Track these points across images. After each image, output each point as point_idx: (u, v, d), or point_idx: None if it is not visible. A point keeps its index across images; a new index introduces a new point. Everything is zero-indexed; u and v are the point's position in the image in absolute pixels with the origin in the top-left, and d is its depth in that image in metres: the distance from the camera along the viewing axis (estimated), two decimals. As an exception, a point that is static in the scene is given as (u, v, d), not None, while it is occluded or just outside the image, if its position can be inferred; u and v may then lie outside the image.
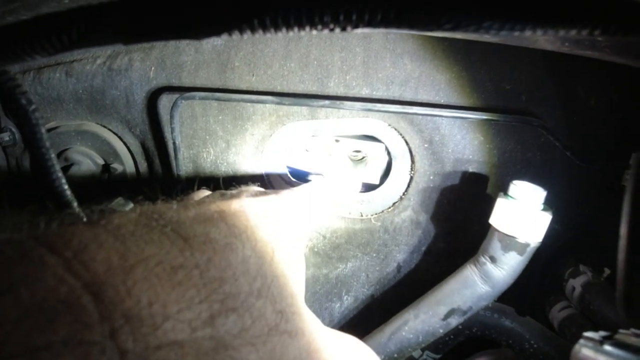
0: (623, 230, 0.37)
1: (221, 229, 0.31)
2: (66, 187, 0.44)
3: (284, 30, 0.24)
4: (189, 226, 0.29)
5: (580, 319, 0.66)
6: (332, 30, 0.24)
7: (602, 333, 0.36)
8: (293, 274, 0.35)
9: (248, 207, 0.36)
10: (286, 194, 0.43)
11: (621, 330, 0.38)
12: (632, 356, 0.32)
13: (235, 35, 0.25)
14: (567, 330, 0.67)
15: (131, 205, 0.32)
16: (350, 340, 0.41)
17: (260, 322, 0.29)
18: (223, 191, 0.39)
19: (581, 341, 0.36)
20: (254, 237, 0.33)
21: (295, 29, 0.24)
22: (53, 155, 0.44)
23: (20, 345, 0.19)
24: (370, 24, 0.23)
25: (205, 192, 0.44)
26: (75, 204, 0.45)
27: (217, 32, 0.25)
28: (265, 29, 0.24)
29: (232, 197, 0.37)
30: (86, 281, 0.22)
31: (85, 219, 0.28)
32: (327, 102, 0.57)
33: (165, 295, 0.25)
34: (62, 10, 0.27)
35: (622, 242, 0.37)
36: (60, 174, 0.45)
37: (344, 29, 0.23)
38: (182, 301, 0.25)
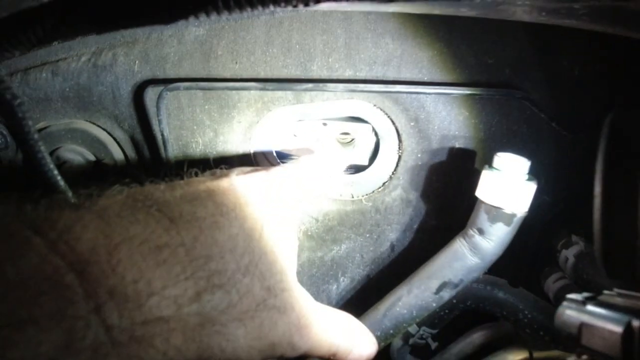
0: (597, 189, 0.38)
1: (208, 207, 0.32)
2: (59, 177, 0.45)
3: (248, 9, 0.24)
4: (175, 206, 0.30)
5: (574, 289, 0.67)
6: (295, 6, 0.24)
7: (586, 294, 0.37)
8: (283, 250, 0.36)
9: (238, 184, 0.36)
10: (276, 170, 0.43)
11: (605, 291, 0.39)
12: (613, 314, 0.33)
13: (203, 18, 0.26)
14: (562, 300, 0.67)
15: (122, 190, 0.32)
16: (342, 316, 0.42)
17: (247, 298, 0.30)
18: (214, 170, 0.40)
19: (565, 303, 0.37)
20: (242, 215, 0.33)
21: (259, 8, 0.24)
22: (43, 147, 0.45)
23: (7, 318, 0.20)
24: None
25: None
26: (69, 193, 0.45)
27: (184, 15, 0.26)
28: (229, 9, 0.24)
29: (222, 175, 0.38)
30: (70, 260, 0.23)
31: (72, 202, 0.29)
32: (310, 85, 0.58)
33: (150, 272, 0.25)
34: (36, 5, 0.27)
35: (597, 201, 0.38)
36: (52, 165, 0.45)
37: (306, 4, 0.24)
38: (168, 278, 0.26)
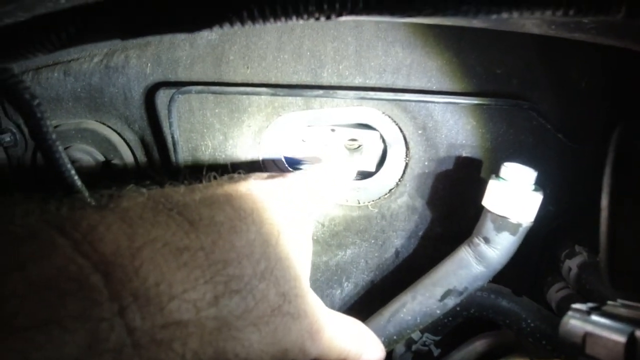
0: (604, 202, 0.39)
1: (227, 212, 0.32)
2: (76, 177, 0.46)
3: (271, 20, 0.25)
4: (194, 209, 0.30)
5: (577, 299, 0.67)
6: (317, 18, 0.25)
7: (590, 305, 0.38)
8: (298, 256, 0.36)
9: (256, 189, 0.36)
10: (294, 177, 0.43)
11: (609, 302, 0.39)
12: (617, 324, 0.33)
13: (227, 27, 0.26)
14: (564, 310, 0.68)
15: (142, 192, 0.33)
16: (352, 323, 0.42)
17: (263, 304, 0.31)
18: (232, 174, 0.40)
19: (569, 313, 0.37)
20: (260, 220, 0.33)
21: (283, 19, 0.25)
22: (60, 147, 0.45)
23: (31, 319, 0.20)
24: (353, 11, 0.24)
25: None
26: (86, 193, 0.46)
27: (209, 25, 0.26)
28: (253, 20, 0.25)
29: (240, 180, 0.38)
30: (95, 261, 0.23)
31: (94, 204, 0.29)
32: (320, 92, 0.58)
33: (171, 275, 0.26)
34: (59, 9, 0.28)
35: (604, 214, 0.39)
36: (69, 165, 0.46)
37: (328, 17, 0.24)
38: (188, 282, 0.26)
